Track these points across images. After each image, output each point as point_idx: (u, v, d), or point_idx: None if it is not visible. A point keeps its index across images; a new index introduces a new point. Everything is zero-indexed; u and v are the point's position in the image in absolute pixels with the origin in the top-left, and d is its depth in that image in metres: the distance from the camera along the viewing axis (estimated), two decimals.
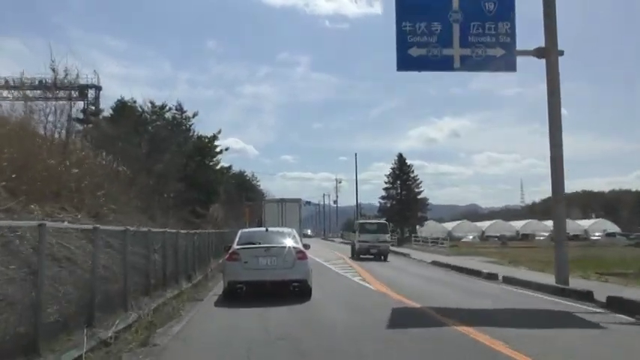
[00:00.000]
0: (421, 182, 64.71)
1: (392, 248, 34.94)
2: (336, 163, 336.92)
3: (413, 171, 64.65)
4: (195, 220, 37.61)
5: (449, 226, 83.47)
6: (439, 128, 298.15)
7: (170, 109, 39.82)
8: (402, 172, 64.18)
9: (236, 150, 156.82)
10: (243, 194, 62.32)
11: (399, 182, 64.27)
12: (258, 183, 76.31)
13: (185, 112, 40.98)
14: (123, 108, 37.96)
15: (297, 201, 32.84)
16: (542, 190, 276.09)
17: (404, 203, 63.13)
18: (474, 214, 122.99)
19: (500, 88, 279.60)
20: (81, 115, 37.72)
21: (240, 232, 13.30)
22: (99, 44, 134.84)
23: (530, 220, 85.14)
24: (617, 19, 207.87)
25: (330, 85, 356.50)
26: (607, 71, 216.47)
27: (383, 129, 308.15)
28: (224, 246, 14.68)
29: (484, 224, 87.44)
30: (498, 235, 69.60)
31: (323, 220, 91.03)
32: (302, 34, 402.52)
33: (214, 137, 40.81)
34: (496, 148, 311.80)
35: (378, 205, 67.24)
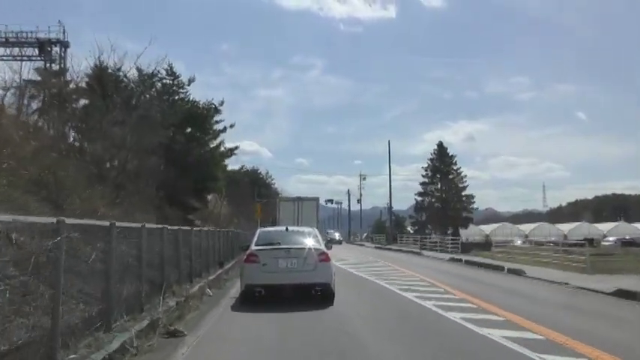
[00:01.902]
0: (466, 176, 53.13)
1: (466, 257, 24.04)
2: (350, 166, 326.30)
3: (456, 162, 53.13)
4: (186, 216, 26.76)
5: (487, 229, 71.58)
6: (454, 132, 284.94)
7: (161, 79, 29.37)
8: (442, 164, 52.75)
9: (250, 152, 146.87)
10: (255, 189, 52.29)
11: (439, 176, 52.83)
12: (273, 181, 66.78)
13: (178, 76, 30.35)
14: (101, 75, 27.36)
15: (315, 199, 28.60)
16: (564, 194, 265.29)
17: (445, 201, 51.71)
18: (494, 217, 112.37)
19: (516, 92, 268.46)
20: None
21: (258, 231, 11.82)
22: (113, 47, 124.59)
23: (581, 223, 73.49)
24: (633, 20, 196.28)
25: (344, 89, 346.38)
26: (625, 73, 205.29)
27: (397, 132, 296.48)
28: (241, 246, 13.13)
29: (526, 227, 75.57)
30: (553, 239, 57.73)
31: (348, 222, 78.84)
32: (316, 37, 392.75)
33: (215, 109, 30.04)
34: (512, 152, 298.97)
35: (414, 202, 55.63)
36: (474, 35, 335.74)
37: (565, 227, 74.15)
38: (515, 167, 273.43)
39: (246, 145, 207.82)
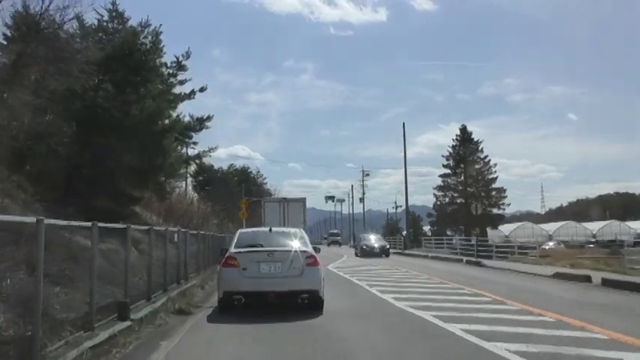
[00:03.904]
0: (495, 165, 43.51)
1: (603, 274, 14.64)
2: (343, 169, 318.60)
3: (482, 150, 43.59)
4: (128, 208, 17.09)
5: (505, 229, 62.17)
6: (447, 134, 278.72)
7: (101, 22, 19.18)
8: (467, 153, 43.15)
9: (242, 157, 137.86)
10: (243, 186, 43.60)
11: (462, 166, 43.26)
12: (265, 181, 59.32)
13: (126, 20, 19.96)
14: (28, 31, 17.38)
15: (301, 200, 27.24)
16: (558, 195, 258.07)
17: (472, 195, 42.17)
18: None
19: (509, 94, 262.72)
20: None
21: (238, 232, 10.68)
22: None
23: (610, 221, 64.52)
24: (624, 23, 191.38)
25: (336, 92, 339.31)
26: (614, 75, 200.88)
27: (390, 136, 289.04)
28: (220, 249, 11.23)
29: (550, 226, 66.64)
30: (594, 240, 48.54)
31: (351, 223, 68.45)
32: (307, 41, 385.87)
33: (179, 64, 20.29)
34: (505, 154, 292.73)
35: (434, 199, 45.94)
36: (465, 38, 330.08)
37: (593, 226, 65.20)
38: (508, 169, 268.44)
39: (238, 150, 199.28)
